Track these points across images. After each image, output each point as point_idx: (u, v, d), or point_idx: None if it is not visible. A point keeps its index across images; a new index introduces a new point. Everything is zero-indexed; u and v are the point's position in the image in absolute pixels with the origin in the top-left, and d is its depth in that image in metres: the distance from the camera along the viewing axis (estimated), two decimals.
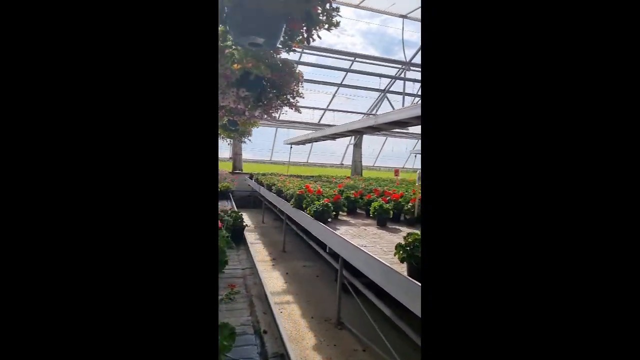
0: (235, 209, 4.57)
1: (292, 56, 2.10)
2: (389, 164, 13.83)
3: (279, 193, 5.03)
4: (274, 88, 2.36)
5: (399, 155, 14.18)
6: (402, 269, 1.82)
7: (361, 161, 11.73)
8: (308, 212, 3.40)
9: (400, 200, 3.82)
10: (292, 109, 2.54)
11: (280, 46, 2.03)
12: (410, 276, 1.70)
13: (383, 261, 1.94)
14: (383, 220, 3.45)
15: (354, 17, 8.45)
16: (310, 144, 12.17)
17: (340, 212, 4.01)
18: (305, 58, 9.14)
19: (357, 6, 7.94)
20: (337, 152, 13.08)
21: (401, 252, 1.80)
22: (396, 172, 9.12)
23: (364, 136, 12.10)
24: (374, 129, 5.06)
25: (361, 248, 2.26)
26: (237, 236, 2.55)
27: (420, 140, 13.41)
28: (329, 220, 3.50)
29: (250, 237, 6.25)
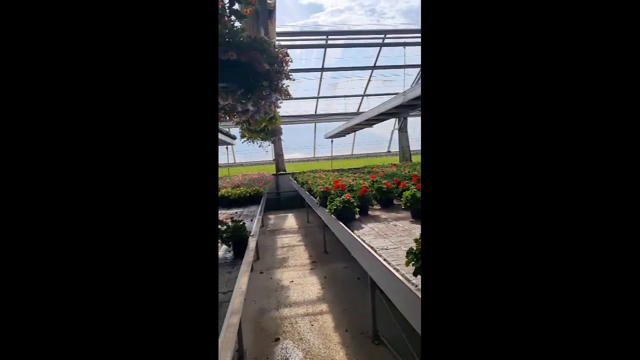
0: (260, 214, 4.31)
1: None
2: None
3: (310, 191, 4.69)
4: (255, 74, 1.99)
5: None
6: (419, 284, 1.34)
7: (408, 146, 10.93)
8: (328, 210, 2.99)
9: None
10: (281, 96, 2.16)
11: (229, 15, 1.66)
12: None
13: (397, 273, 1.48)
14: (418, 211, 2.91)
15: None
16: (353, 135, 11.68)
17: (373, 206, 3.54)
18: (331, 51, 8.65)
19: None
20: (382, 140, 12.41)
21: (413, 261, 1.32)
22: None
23: (410, 118, 11.28)
24: (405, 108, 4.48)
25: (374, 252, 1.81)
26: (240, 249, 2.25)
27: None
28: (356, 217, 3.07)
29: (294, 239, 6.03)
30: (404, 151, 10.86)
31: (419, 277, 1.34)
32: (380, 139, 12.40)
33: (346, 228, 2.51)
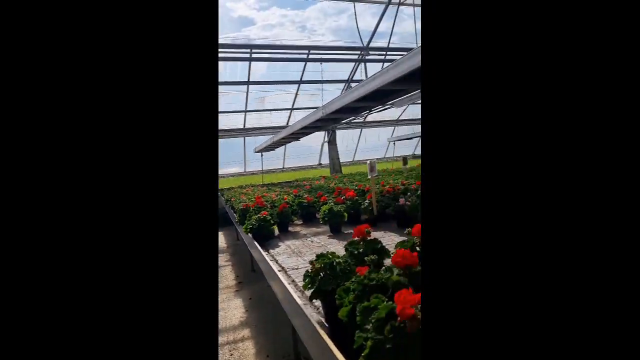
0: None
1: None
2: (369, 156, 13.34)
3: (233, 209, 4.48)
4: None
5: (379, 146, 13.70)
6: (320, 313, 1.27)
7: (338, 158, 11.21)
8: (244, 229, 2.85)
9: (357, 198, 3.29)
10: None
11: None
12: (331, 335, 1.14)
13: (298, 298, 1.40)
14: (337, 225, 2.91)
15: (321, 16, 7.96)
16: (283, 148, 11.64)
17: (294, 222, 3.47)
18: (259, 65, 8.56)
19: None
20: (314, 152, 12.56)
21: (309, 285, 1.25)
22: (372, 164, 8.67)
23: (339, 131, 11.60)
24: (326, 121, 4.54)
25: (280, 272, 1.72)
26: None
27: (395, 128, 12.96)
28: (275, 234, 2.96)
29: (221, 259, 5.70)
30: (334, 163, 11.10)
31: (318, 301, 1.27)
32: (312, 152, 12.55)
33: (259, 248, 2.39)
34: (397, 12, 5.70)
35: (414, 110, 12.27)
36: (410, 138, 11.98)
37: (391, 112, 11.36)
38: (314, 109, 4.44)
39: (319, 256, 1.29)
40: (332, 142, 11.09)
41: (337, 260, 1.25)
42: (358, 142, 12.86)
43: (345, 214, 2.99)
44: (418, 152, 14.52)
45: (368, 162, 2.96)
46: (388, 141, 13.18)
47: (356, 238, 1.49)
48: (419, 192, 3.39)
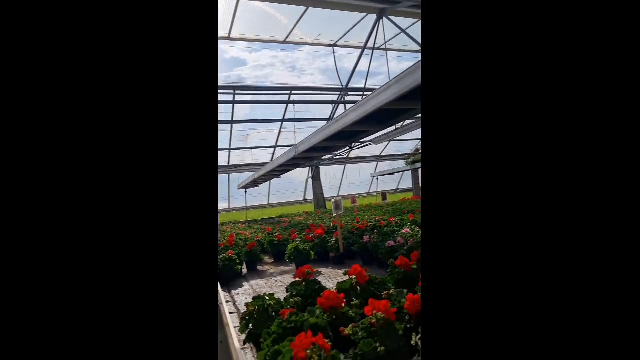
0: None
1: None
2: (353, 191, 13.49)
3: None
4: None
5: (363, 181, 13.91)
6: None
7: (322, 193, 11.31)
8: None
9: (325, 236, 3.33)
10: None
11: None
12: None
13: (237, 342, 1.41)
14: (302, 263, 2.93)
15: (310, 57, 8.35)
16: (268, 185, 11.72)
17: (263, 260, 3.47)
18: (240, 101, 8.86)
19: (283, 42, 7.88)
20: (298, 189, 12.66)
21: (244, 328, 1.28)
22: (352, 199, 8.72)
23: (325, 167, 11.80)
24: (301, 159, 4.67)
25: (232, 316, 1.72)
26: None
27: (378, 164, 13.25)
28: (242, 273, 2.96)
29: None
30: (318, 199, 11.18)
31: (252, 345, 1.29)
32: (297, 187, 12.65)
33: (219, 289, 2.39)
34: (372, 55, 6.06)
35: (395, 146, 12.65)
36: (392, 173, 12.23)
37: (373, 149, 11.68)
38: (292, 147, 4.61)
39: (255, 298, 1.32)
40: (316, 178, 11.24)
41: (269, 302, 1.28)
42: (342, 178, 13.06)
43: (312, 253, 3.02)
44: (402, 186, 14.74)
45: (333, 200, 3.04)
46: (371, 176, 13.40)
47: (298, 279, 1.53)
48: (385, 229, 3.45)
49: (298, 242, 2.96)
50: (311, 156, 4.42)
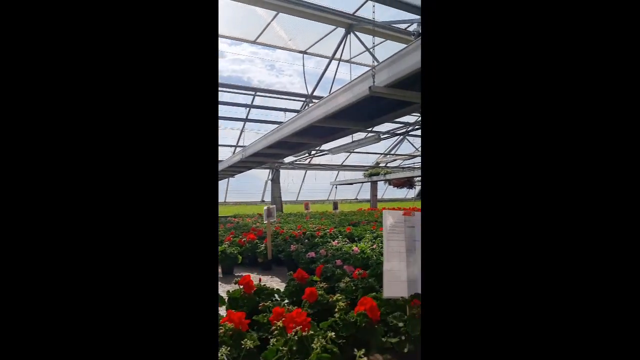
0: None
1: None
2: (313, 197, 13.64)
3: None
4: None
5: (324, 188, 14.10)
6: None
7: (280, 196, 11.35)
8: None
9: (257, 241, 3.41)
10: None
11: None
12: None
13: None
14: (229, 267, 2.99)
15: (289, 59, 8.29)
16: (226, 182, 11.59)
17: None
18: None
19: (253, 42, 7.88)
20: (257, 189, 12.62)
21: None
22: (306, 205, 8.84)
23: (286, 170, 11.85)
24: (247, 162, 4.71)
25: None
26: None
27: (339, 172, 13.51)
28: None
29: None
30: (275, 201, 11.20)
31: None
32: (258, 188, 12.61)
33: None
34: (337, 66, 6.25)
35: (359, 157, 12.96)
36: (351, 183, 12.52)
37: (336, 157, 11.90)
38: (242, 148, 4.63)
39: None
40: (275, 181, 11.27)
41: None
42: (302, 183, 13.17)
43: (240, 257, 3.08)
44: (360, 197, 15.08)
45: (265, 207, 3.12)
46: (330, 184, 13.63)
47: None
48: (317, 239, 3.58)
49: (226, 245, 3.00)
50: (260, 160, 4.48)
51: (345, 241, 3.61)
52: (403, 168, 10.78)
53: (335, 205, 9.80)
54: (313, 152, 8.50)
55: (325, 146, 7.54)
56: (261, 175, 11.96)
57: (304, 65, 8.78)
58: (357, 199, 15.24)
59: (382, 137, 6.18)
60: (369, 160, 13.53)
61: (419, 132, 10.83)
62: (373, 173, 10.23)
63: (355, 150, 11.25)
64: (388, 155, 11.27)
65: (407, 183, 11.37)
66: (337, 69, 6.97)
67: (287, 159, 10.34)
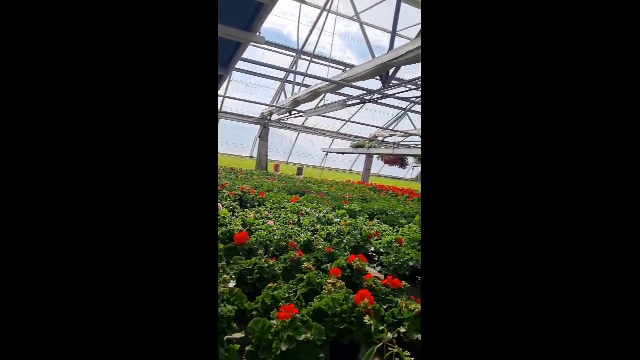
0: None
1: None
2: (304, 162, 13.37)
3: None
4: None
5: (317, 153, 13.79)
6: None
7: (267, 155, 11.12)
8: None
9: None
10: None
11: None
12: None
13: None
14: None
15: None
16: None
17: None
18: None
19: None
20: (246, 144, 12.38)
21: None
22: (276, 167, 8.60)
23: (272, 129, 11.51)
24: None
25: None
26: None
27: (333, 140, 13.11)
28: None
29: None
30: (261, 159, 11.01)
31: None
32: (244, 143, 12.37)
33: None
34: (323, 25, 5.82)
35: (356, 128, 12.50)
36: (342, 153, 12.16)
37: (330, 123, 11.48)
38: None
39: None
40: (263, 138, 10.99)
41: None
42: (294, 146, 12.86)
43: None
44: (355, 169, 14.77)
45: None
46: (321, 151, 13.29)
47: None
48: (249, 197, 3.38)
49: None
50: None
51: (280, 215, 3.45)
52: (394, 145, 10.34)
53: (299, 170, 9.51)
54: (294, 113, 8.13)
55: (304, 107, 7.16)
56: (253, 128, 11.64)
57: (299, 17, 8.18)
58: (351, 170, 14.94)
59: (348, 103, 5.79)
60: (367, 132, 13.06)
61: (418, 108, 10.26)
62: (359, 145, 9.85)
63: (352, 120, 10.80)
64: (387, 130, 10.80)
65: (399, 161, 10.99)
66: (322, 29, 6.43)
67: (274, 117, 9.98)
